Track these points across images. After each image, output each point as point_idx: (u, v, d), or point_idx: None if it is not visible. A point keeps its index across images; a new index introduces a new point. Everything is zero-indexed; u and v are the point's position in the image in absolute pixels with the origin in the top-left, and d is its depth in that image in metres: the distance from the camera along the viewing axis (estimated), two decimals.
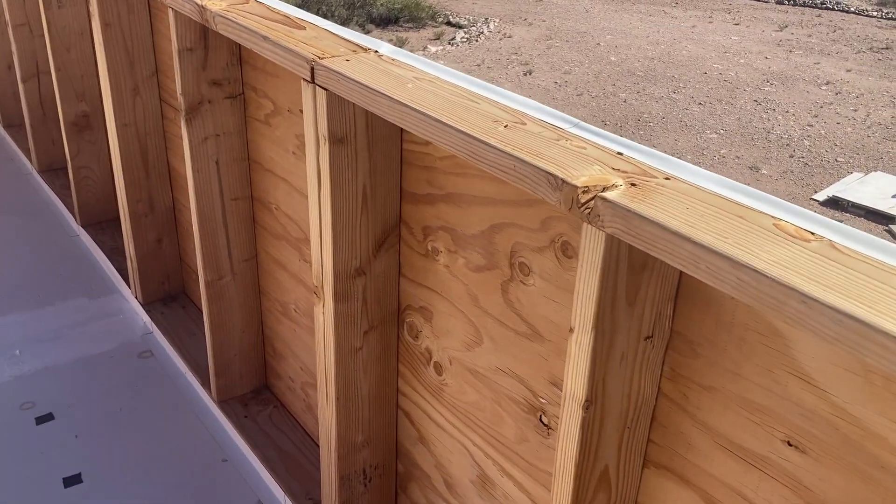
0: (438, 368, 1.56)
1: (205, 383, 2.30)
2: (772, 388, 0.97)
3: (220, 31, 1.66)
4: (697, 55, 14.10)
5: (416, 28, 15.06)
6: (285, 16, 1.63)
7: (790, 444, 0.97)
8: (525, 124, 1.13)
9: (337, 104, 1.38)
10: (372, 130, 1.43)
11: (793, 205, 0.92)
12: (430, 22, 15.08)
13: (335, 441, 1.66)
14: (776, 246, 0.83)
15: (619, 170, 0.99)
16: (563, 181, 0.97)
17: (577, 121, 1.13)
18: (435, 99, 1.21)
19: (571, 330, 1.03)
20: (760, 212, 0.90)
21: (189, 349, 2.44)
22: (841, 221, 8.39)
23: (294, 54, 1.42)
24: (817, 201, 9.61)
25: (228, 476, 2.09)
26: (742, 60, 14.02)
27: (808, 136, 11.23)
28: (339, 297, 1.53)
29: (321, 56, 1.39)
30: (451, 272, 1.45)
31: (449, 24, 15.05)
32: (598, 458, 1.10)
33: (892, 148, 10.71)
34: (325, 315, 1.57)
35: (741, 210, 0.90)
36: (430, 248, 1.49)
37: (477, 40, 14.37)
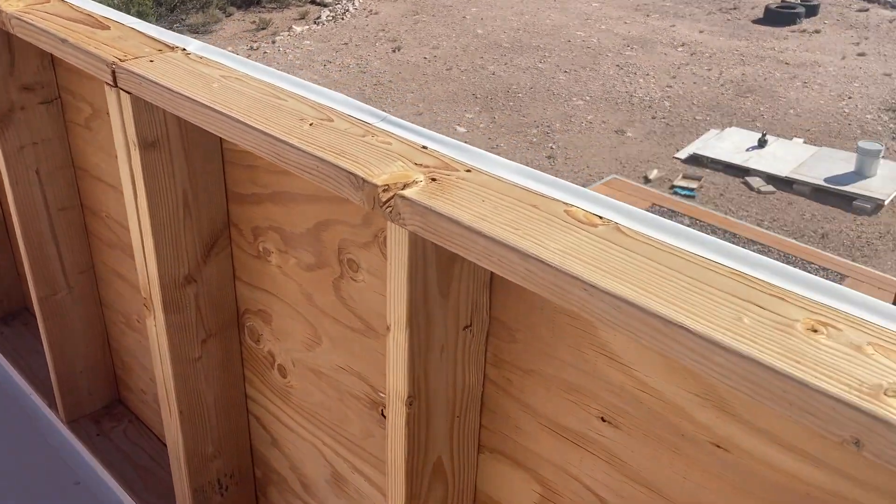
0: (283, 371, 1.53)
1: (51, 404, 2.17)
2: (583, 367, 0.99)
3: (19, 35, 1.55)
4: (561, 23, 14.40)
5: (280, 8, 14.70)
6: (89, 14, 1.54)
7: (604, 420, 0.99)
8: (332, 121, 1.10)
9: (144, 108, 1.31)
10: (186, 132, 1.37)
11: (586, 190, 0.93)
12: (293, 2, 14.74)
13: (183, 454, 1.61)
14: (564, 233, 0.84)
15: (421, 165, 0.98)
16: (364, 180, 0.95)
17: (384, 114, 1.12)
18: (241, 99, 1.16)
19: (388, 328, 1.02)
20: (554, 199, 0.91)
21: (33, 369, 2.30)
22: (701, 178, 8.80)
23: (94, 57, 1.34)
24: (679, 159, 10.04)
25: (82, 499, 1.99)
26: (603, 27, 14.40)
27: (668, 97, 11.70)
28: (169, 307, 1.47)
29: (123, 58, 1.31)
30: (284, 272, 1.41)
31: (313, 2, 14.75)
32: (428, 451, 1.10)
33: (744, 104, 11.30)
34: (157, 327, 1.50)
35: (536, 199, 0.91)
36: (261, 249, 1.45)
37: (343, 18, 14.17)
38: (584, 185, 9.88)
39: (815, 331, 0.70)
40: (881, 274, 7.65)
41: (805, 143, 10.18)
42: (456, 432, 1.13)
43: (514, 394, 1.10)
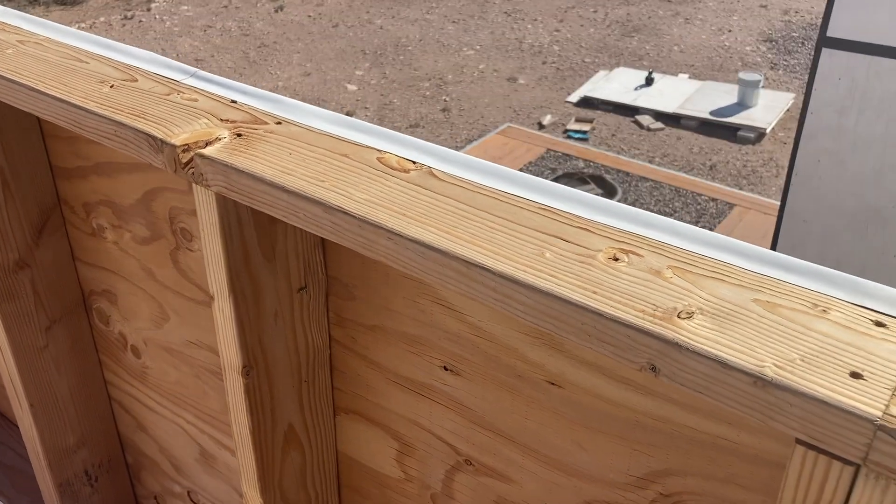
0: (136, 352, 1.45)
1: None
2: (421, 318, 0.96)
3: None
4: None
5: None
6: None
7: (447, 369, 0.97)
8: (136, 80, 1.02)
9: None
10: None
11: (401, 135, 0.89)
12: None
13: (41, 449, 1.52)
14: (373, 182, 0.80)
15: (228, 120, 0.92)
16: (163, 141, 0.88)
17: (194, 70, 1.04)
18: (37, 64, 1.07)
19: (212, 298, 0.97)
20: (367, 147, 0.87)
21: None
22: (593, 119, 8.88)
23: None
24: (571, 103, 10.15)
25: None
26: None
27: (557, 41, 11.76)
28: (2, 295, 1.37)
29: None
30: (121, 248, 1.33)
31: None
32: (276, 419, 1.06)
33: (630, 43, 11.48)
34: None
35: (347, 147, 0.87)
36: (95, 225, 1.36)
37: None
38: (479, 136, 9.87)
39: (617, 259, 0.68)
40: (766, 200, 7.97)
41: (690, 78, 10.44)
42: (306, 397, 1.09)
43: (360, 352, 1.06)
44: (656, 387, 0.80)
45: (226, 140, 0.88)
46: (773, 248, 5.82)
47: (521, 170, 9.29)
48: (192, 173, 0.87)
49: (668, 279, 0.66)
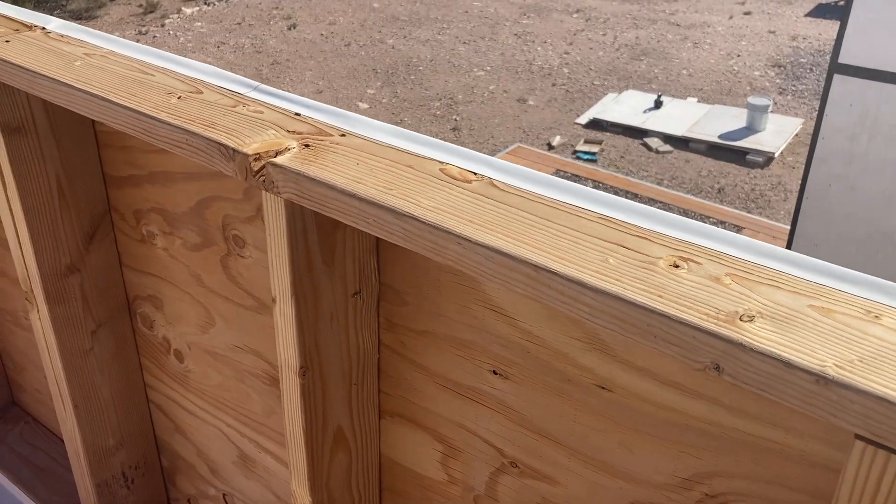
0: (179, 356, 1.49)
1: None
2: (472, 323, 1.00)
3: None
4: None
5: None
6: None
7: (496, 373, 1.01)
8: (202, 93, 1.07)
9: (3, 91, 1.25)
10: (53, 115, 1.31)
11: (460, 148, 0.94)
12: None
13: (83, 450, 1.56)
14: (439, 191, 0.85)
15: (294, 132, 0.97)
16: (235, 150, 0.93)
17: (256, 84, 1.09)
18: (105, 76, 1.12)
19: (274, 300, 1.01)
20: (430, 158, 0.91)
21: None
22: (602, 141, 8.93)
23: None
24: (580, 124, 10.23)
25: None
26: None
27: (567, 63, 11.87)
28: (52, 299, 1.41)
29: None
30: (171, 255, 1.38)
31: None
32: (327, 420, 1.10)
33: (639, 67, 11.58)
34: (41, 321, 1.45)
35: (411, 159, 0.91)
36: (145, 232, 1.41)
37: None
38: (490, 156, 10.00)
39: (677, 266, 0.72)
40: (774, 223, 8.02)
41: (699, 101, 10.52)
42: (355, 399, 1.13)
43: (409, 356, 1.10)
44: (706, 390, 0.84)
45: (294, 150, 0.92)
46: None
47: None
48: (264, 181, 0.92)
49: (727, 285, 0.70)
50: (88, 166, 1.39)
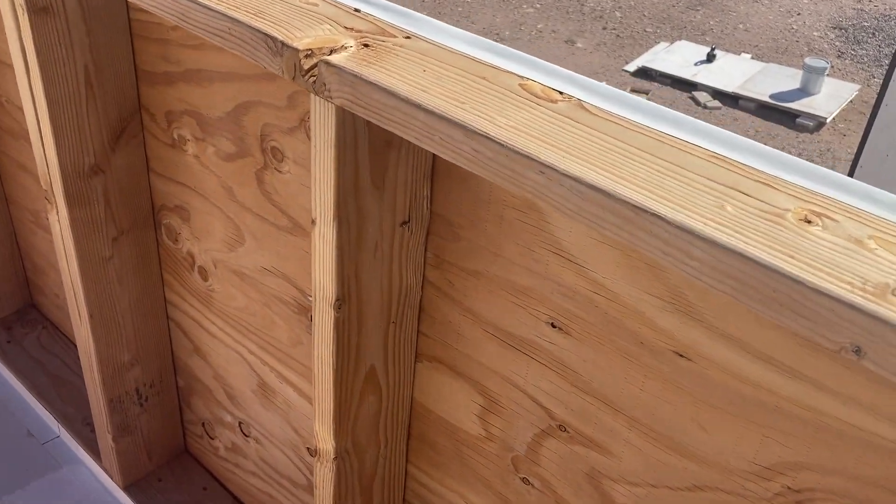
0: (203, 273, 1.39)
1: None
2: (533, 267, 0.88)
3: None
4: None
5: None
6: None
7: (554, 326, 0.89)
8: None
9: None
10: None
11: (544, 62, 0.80)
12: None
13: (96, 363, 1.48)
14: (518, 109, 0.72)
15: (353, 29, 0.84)
16: (284, 44, 0.80)
17: None
18: None
19: (313, 222, 0.89)
20: (508, 71, 0.78)
21: None
22: (649, 91, 8.63)
23: None
24: (628, 72, 9.92)
25: None
26: None
27: (619, 7, 11.46)
28: (73, 200, 1.31)
29: None
30: (202, 163, 1.26)
31: None
32: (360, 359, 1.00)
33: (694, 17, 11.15)
34: (60, 223, 1.35)
35: (486, 70, 0.78)
36: (175, 136, 1.29)
37: None
38: None
39: (809, 221, 0.60)
40: None
41: (753, 58, 10.14)
42: (392, 339, 1.03)
43: (457, 298, 0.99)
44: (807, 369, 0.72)
45: (352, 49, 0.80)
46: None
47: None
48: (314, 81, 0.79)
49: (872, 250, 0.57)
50: (120, 58, 1.26)
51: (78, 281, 1.39)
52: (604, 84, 0.76)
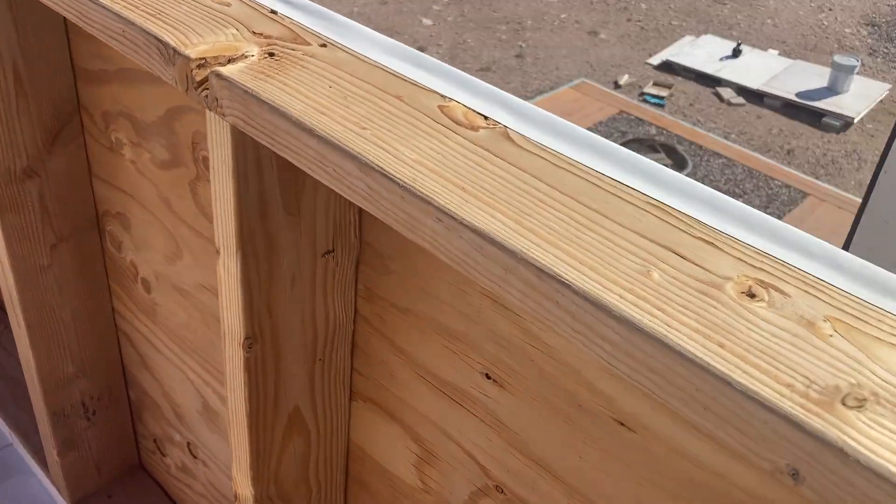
0: (146, 285, 1.30)
1: None
2: (465, 310, 0.78)
3: None
4: None
5: None
6: None
7: (489, 377, 0.79)
8: None
9: None
10: None
11: (476, 81, 0.69)
12: None
13: (37, 374, 1.39)
14: (429, 138, 0.61)
15: (262, 34, 0.73)
16: (176, 51, 0.70)
17: None
18: None
19: (217, 252, 0.79)
20: (429, 90, 0.67)
21: None
22: (672, 86, 8.46)
23: None
24: (651, 65, 9.72)
25: None
26: None
27: None
28: (5, 206, 1.22)
29: None
30: (139, 169, 1.17)
31: None
32: (280, 401, 0.90)
33: (721, 11, 10.90)
34: None
35: (404, 88, 0.67)
36: (113, 139, 1.19)
37: None
38: (551, 88, 9.50)
39: (753, 295, 0.48)
40: (842, 193, 7.55)
41: (780, 54, 9.90)
42: (319, 378, 0.92)
43: (389, 335, 0.88)
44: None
45: (253, 59, 0.69)
46: (846, 246, 5.48)
47: (590, 129, 8.90)
48: (206, 96, 0.69)
49: (826, 337, 0.46)
50: (53, 53, 1.17)
51: (14, 290, 1.30)
52: (540, 109, 0.65)
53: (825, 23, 10.95)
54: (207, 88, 0.69)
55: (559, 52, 10.06)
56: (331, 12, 0.78)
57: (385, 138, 0.60)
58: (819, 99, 8.84)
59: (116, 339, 1.47)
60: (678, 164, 7.25)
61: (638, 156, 0.60)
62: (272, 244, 0.78)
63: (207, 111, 0.71)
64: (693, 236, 0.53)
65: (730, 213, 0.55)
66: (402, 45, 0.73)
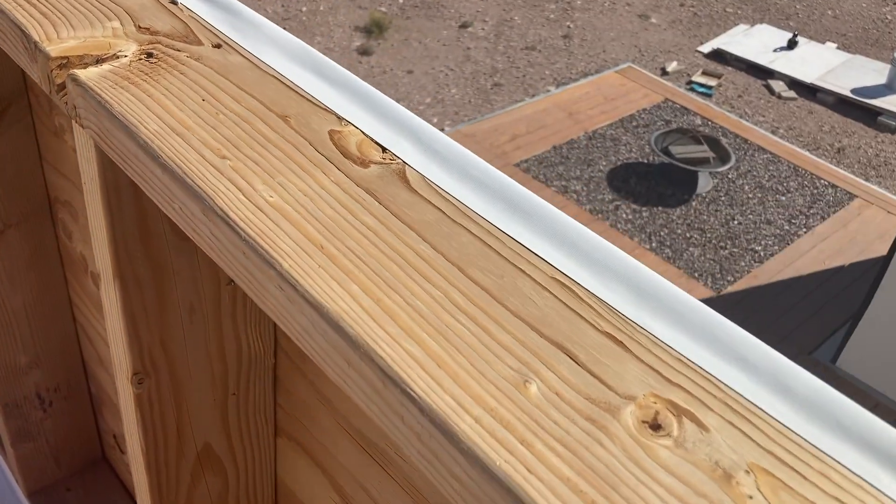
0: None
1: None
2: None
3: None
4: None
5: None
6: None
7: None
8: None
9: None
10: None
11: (389, 102, 0.57)
12: None
13: None
14: (302, 176, 0.49)
15: (149, 29, 0.62)
16: (37, 46, 0.60)
17: None
18: None
19: (97, 277, 0.69)
20: (326, 109, 0.56)
21: None
22: (722, 75, 8.21)
23: None
24: (702, 53, 9.42)
25: None
26: None
27: None
28: None
29: None
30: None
31: None
32: (185, 438, 0.80)
33: None
34: None
35: (295, 105, 0.56)
36: (57, 124, 1.10)
37: None
38: (596, 71, 9.25)
39: (658, 427, 0.36)
40: (892, 196, 7.24)
41: (838, 48, 9.51)
42: (234, 413, 0.82)
43: (311, 378, 0.78)
44: None
45: (125, 60, 0.58)
46: (893, 253, 5.22)
47: (633, 116, 8.64)
48: (66, 102, 0.58)
49: (743, 500, 0.34)
50: None
51: None
52: (458, 145, 0.53)
53: (889, 17, 10.48)
54: (66, 95, 0.58)
55: (607, 34, 9.79)
56: (240, 5, 0.66)
57: (245, 173, 0.49)
58: (876, 97, 8.48)
59: (75, 330, 1.39)
60: (721, 157, 7.01)
61: (561, 214, 0.48)
62: (160, 271, 0.68)
63: (73, 122, 0.60)
64: (599, 329, 0.41)
65: (657, 293, 0.43)
66: (312, 50, 0.61)
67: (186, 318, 0.72)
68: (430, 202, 0.48)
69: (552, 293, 0.43)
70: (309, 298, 0.41)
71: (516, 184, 0.50)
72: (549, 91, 8.34)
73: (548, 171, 7.05)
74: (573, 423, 0.36)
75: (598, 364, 0.39)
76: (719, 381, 0.39)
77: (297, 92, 0.57)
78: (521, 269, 0.44)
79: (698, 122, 7.87)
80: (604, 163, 7.22)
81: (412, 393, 0.37)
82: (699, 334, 0.42)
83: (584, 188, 6.91)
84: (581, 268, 0.45)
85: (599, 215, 6.63)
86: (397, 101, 0.57)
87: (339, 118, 0.55)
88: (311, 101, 0.56)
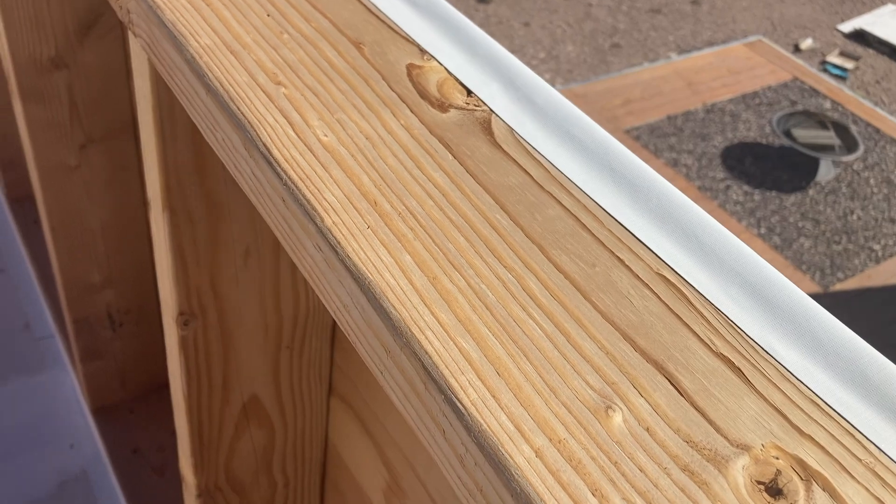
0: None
1: None
2: None
3: None
4: None
5: None
6: None
7: None
8: None
9: None
10: None
11: (482, 35, 0.48)
12: None
13: (60, 278, 1.31)
14: (369, 116, 0.41)
15: None
16: None
17: None
18: None
19: (147, 204, 0.63)
20: (407, 39, 0.47)
21: None
22: (860, 58, 7.66)
23: None
24: (842, 32, 8.81)
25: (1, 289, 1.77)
26: None
27: None
28: (27, 95, 1.11)
29: None
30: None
31: None
32: (230, 387, 0.74)
33: None
34: (17, 119, 1.16)
35: (374, 31, 0.47)
36: None
37: None
38: (723, 42, 8.80)
39: (778, 492, 0.27)
40: None
41: None
42: (286, 367, 0.76)
43: None
44: None
45: None
46: None
47: (757, 93, 8.21)
48: (121, 7, 0.52)
49: None
50: None
51: (38, 187, 1.21)
52: (557, 94, 0.43)
53: None
54: None
55: (739, 3, 9.26)
56: None
57: (300, 104, 0.41)
58: None
59: (151, 256, 1.36)
60: (849, 146, 6.55)
61: (681, 194, 0.38)
62: (214, 207, 0.61)
63: (128, 31, 0.54)
64: (712, 349, 0.31)
65: (793, 310, 0.33)
66: None
67: (241, 262, 0.65)
68: (515, 161, 0.39)
69: (656, 294, 0.33)
70: (349, 265, 0.33)
71: (626, 150, 0.40)
72: (669, 58, 7.98)
73: (659, 141, 6.77)
74: (665, 473, 0.27)
75: (706, 396, 0.30)
76: (868, 438, 0.29)
77: (376, 16, 0.48)
78: (619, 258, 0.35)
79: (827, 105, 7.39)
80: (719, 139, 6.88)
81: (459, 404, 0.28)
82: (845, 371, 0.32)
83: (696, 163, 6.62)
84: (697, 265, 0.35)
85: (708, 192, 6.34)
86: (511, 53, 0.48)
87: (422, 51, 0.46)
88: (391, 27, 0.48)
